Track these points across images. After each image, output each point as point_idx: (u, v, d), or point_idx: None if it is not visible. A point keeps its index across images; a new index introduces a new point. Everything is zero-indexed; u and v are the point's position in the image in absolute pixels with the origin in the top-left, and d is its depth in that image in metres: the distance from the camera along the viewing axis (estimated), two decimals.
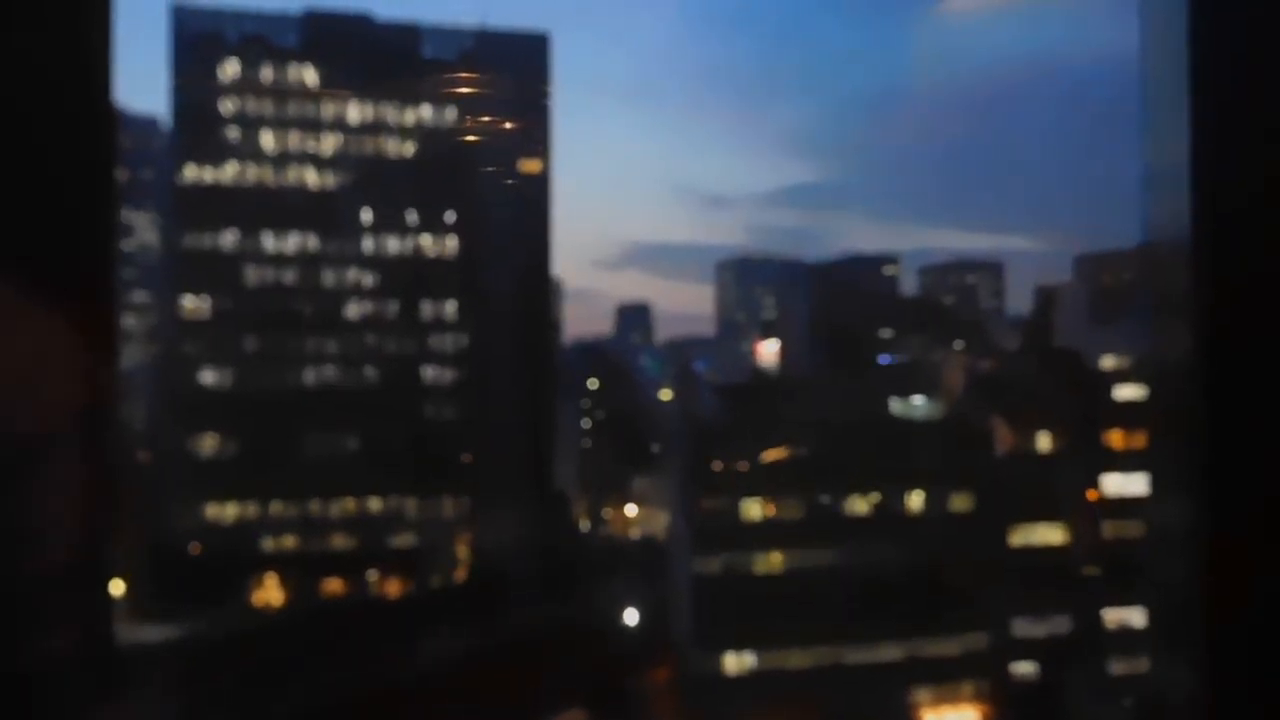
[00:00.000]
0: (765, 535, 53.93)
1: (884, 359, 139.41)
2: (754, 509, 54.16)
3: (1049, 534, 58.27)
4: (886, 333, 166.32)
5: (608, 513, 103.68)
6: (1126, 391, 58.98)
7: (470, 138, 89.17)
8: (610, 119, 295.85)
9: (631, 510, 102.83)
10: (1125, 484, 58.06)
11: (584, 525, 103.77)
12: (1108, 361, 68.24)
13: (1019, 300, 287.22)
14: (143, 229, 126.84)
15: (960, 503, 56.58)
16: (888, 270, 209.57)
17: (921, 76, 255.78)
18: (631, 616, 58.05)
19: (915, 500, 56.13)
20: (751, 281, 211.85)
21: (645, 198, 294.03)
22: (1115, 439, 59.12)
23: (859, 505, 55.69)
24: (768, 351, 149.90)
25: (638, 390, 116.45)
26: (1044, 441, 58.96)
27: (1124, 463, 58.23)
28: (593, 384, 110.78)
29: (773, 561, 53.85)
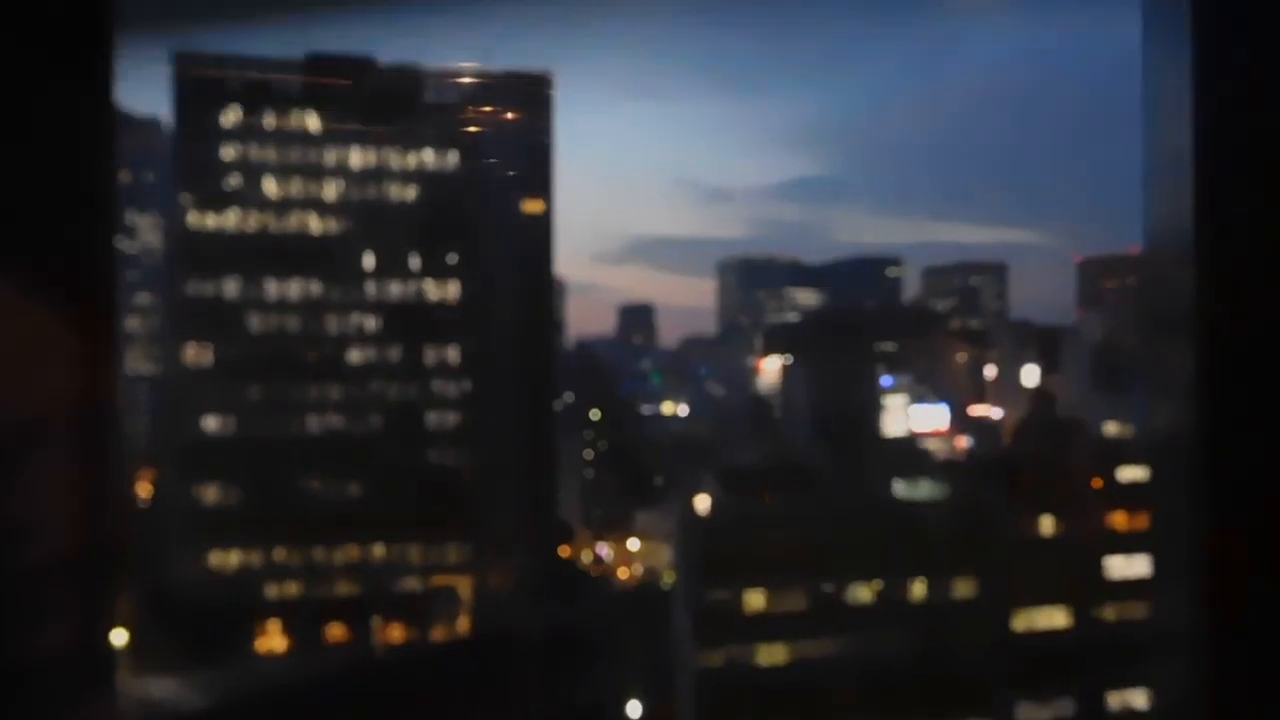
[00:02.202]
0: (768, 626, 54.07)
1: (886, 381, 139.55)
2: (757, 599, 54.33)
3: (1052, 617, 58.47)
4: (889, 346, 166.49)
5: (610, 547, 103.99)
6: (1130, 473, 59.00)
7: (473, 181, 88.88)
8: (612, 111, 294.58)
9: (634, 544, 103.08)
10: (1128, 566, 58.21)
11: (587, 558, 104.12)
12: (1110, 428, 68.32)
13: (1022, 295, 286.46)
14: (145, 230, 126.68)
15: (963, 588, 56.72)
16: (891, 272, 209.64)
17: (925, 69, 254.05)
18: (634, 708, 58.26)
19: (918, 587, 56.26)
20: (754, 284, 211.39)
21: (647, 191, 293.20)
22: (1119, 520, 59.23)
23: (862, 593, 55.84)
24: (770, 369, 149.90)
25: (640, 420, 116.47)
26: (1047, 524, 59.09)
27: (1127, 544, 58.31)
28: (595, 415, 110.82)
29: (776, 653, 54.05)
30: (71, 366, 2.55)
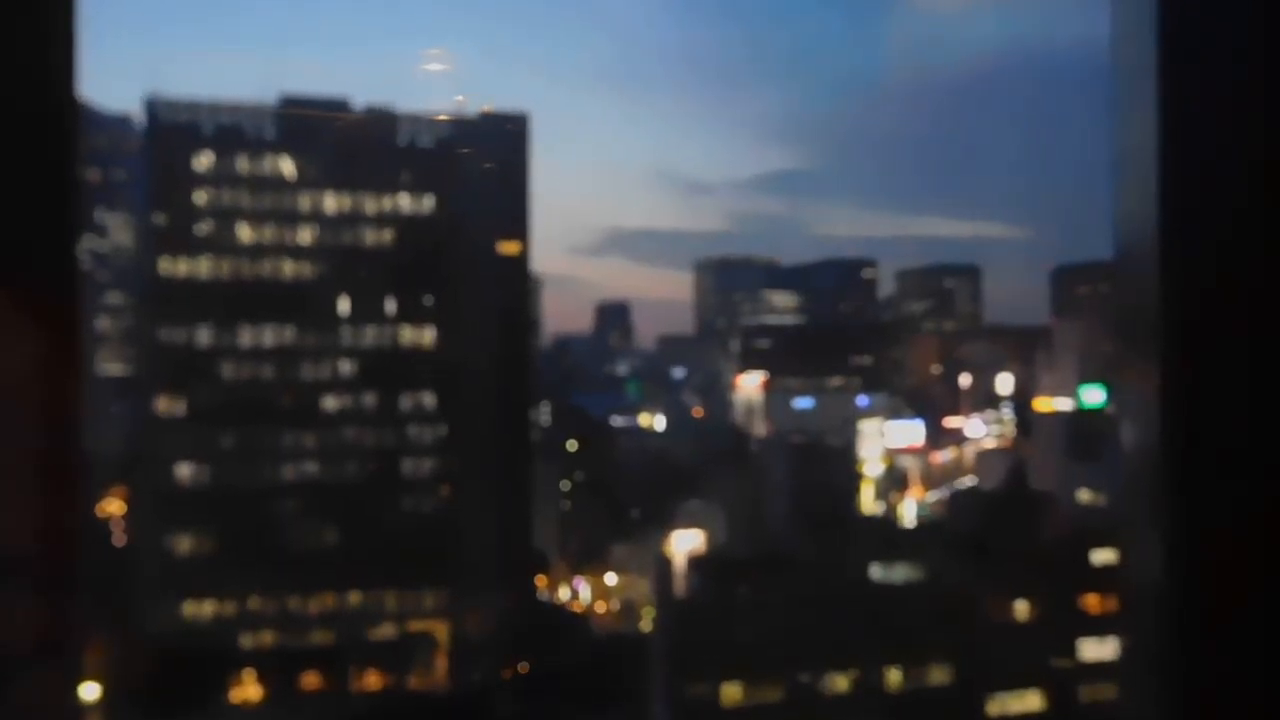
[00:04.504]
0: (746, 719, 54.22)
1: (862, 401, 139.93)
2: (734, 692, 54.44)
3: (1027, 701, 58.90)
4: (866, 360, 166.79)
5: (587, 581, 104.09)
6: (1103, 556, 59.35)
7: (449, 223, 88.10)
8: (591, 103, 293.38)
9: (611, 579, 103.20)
10: (1101, 648, 58.66)
11: (564, 592, 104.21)
12: (1084, 495, 68.73)
13: (998, 292, 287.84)
14: (116, 230, 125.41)
15: (938, 674, 57.03)
16: (866, 274, 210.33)
17: (902, 63, 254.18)
18: None
19: (894, 674, 56.55)
20: (730, 285, 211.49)
21: (625, 183, 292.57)
22: (1091, 603, 59.63)
23: (839, 682, 56.06)
24: (748, 385, 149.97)
25: (617, 450, 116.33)
26: (1022, 607, 59.44)
27: (1100, 627, 58.73)
28: (572, 446, 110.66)
29: None
30: (33, 370, 2.52)
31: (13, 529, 2.47)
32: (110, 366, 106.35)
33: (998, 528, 61.56)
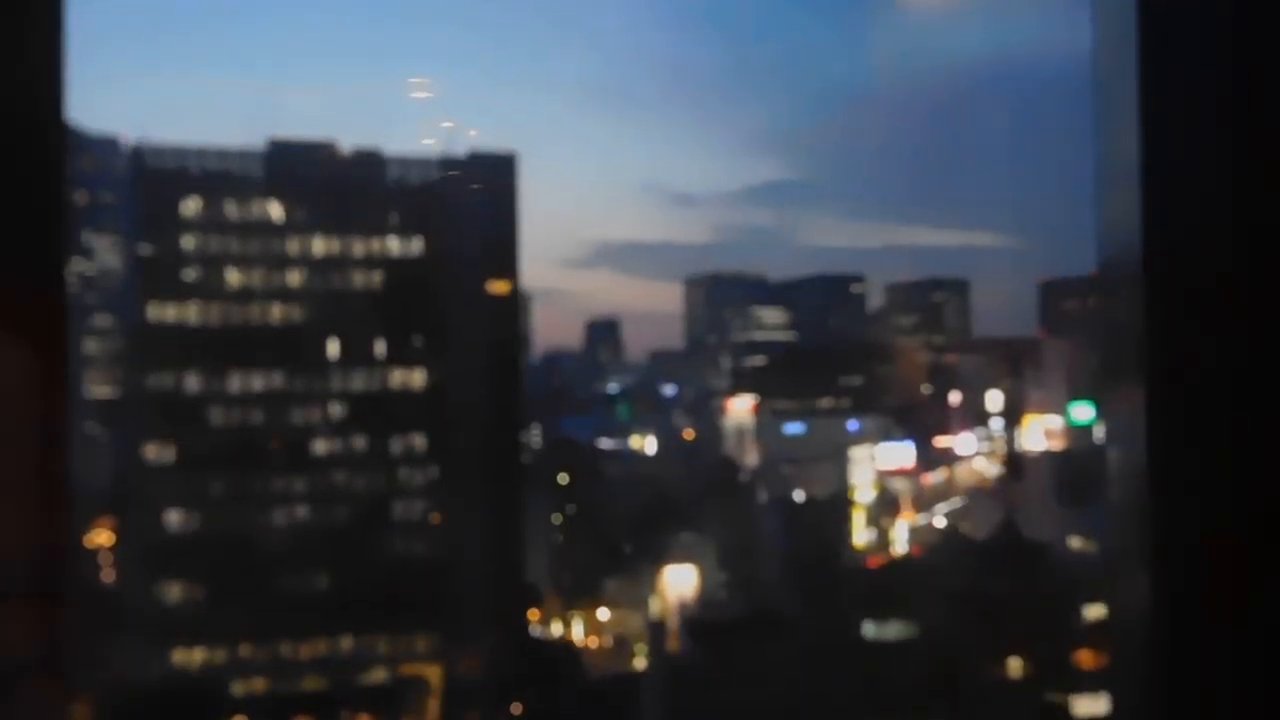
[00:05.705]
0: None
1: (852, 425, 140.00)
2: None
3: None
4: (856, 380, 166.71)
5: (580, 616, 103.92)
6: (1095, 611, 59.48)
7: (437, 265, 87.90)
8: (578, 118, 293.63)
9: (604, 614, 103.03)
10: (1094, 704, 58.72)
11: (556, 628, 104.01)
12: (1075, 542, 68.85)
13: (986, 302, 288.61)
14: (104, 252, 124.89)
15: None
16: (855, 289, 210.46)
17: (887, 75, 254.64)
18: None
19: None
20: (720, 301, 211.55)
21: (614, 197, 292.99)
22: (1084, 658, 59.75)
23: None
24: (739, 409, 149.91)
25: (608, 482, 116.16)
26: (1014, 664, 59.54)
27: (1093, 683, 58.81)
28: (563, 479, 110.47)
29: None
30: (21, 386, 2.48)
31: (3, 539, 2.46)
32: (98, 390, 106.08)
33: (989, 581, 61.57)
